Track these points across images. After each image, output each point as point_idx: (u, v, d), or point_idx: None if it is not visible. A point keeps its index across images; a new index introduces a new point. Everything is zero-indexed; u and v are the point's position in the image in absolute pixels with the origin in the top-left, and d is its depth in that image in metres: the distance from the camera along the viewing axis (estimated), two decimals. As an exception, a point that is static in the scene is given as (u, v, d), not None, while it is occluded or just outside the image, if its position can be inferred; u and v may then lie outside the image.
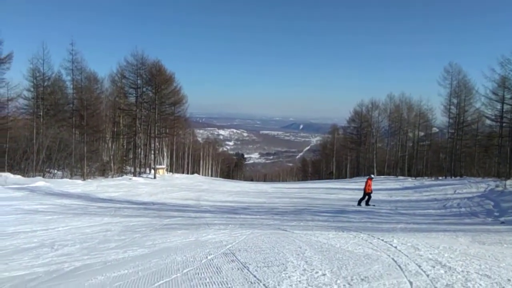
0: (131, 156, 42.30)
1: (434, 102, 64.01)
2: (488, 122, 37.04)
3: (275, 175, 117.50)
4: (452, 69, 39.26)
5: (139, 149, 41.08)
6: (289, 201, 20.30)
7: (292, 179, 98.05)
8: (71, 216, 12.28)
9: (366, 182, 18.04)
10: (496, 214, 14.06)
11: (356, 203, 17.82)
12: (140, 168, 40.02)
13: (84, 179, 28.85)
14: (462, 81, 39.01)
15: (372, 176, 20.05)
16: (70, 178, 28.32)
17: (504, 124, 33.26)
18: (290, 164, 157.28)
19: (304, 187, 33.28)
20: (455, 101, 39.36)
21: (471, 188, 22.33)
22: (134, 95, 39.66)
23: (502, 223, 12.05)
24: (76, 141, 31.39)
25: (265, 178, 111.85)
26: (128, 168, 39.75)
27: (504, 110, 32.74)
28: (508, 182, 21.18)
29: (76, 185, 23.95)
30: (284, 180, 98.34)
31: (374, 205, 17.46)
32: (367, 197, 17.76)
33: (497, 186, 20.62)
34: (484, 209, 15.50)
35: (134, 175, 36.31)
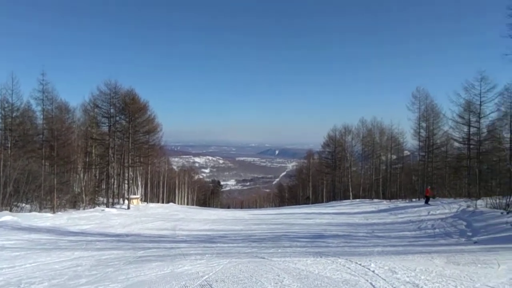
0: (103, 186, 41.23)
1: (405, 126, 65.94)
2: (456, 144, 38.38)
3: (252, 202, 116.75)
4: (420, 94, 40.74)
5: (112, 179, 40.12)
6: (266, 228, 20.11)
7: (269, 205, 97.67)
8: (39, 251, 11.74)
9: (427, 190, 30.13)
10: (469, 234, 14.34)
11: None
12: (113, 199, 38.98)
13: (54, 212, 27.80)
14: (429, 105, 40.45)
15: (429, 186, 31.98)
16: (39, 212, 27.21)
17: (471, 146, 34.52)
18: (267, 190, 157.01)
19: (281, 213, 33.14)
20: (424, 124, 40.64)
21: (444, 209, 22.80)
22: (107, 124, 39.07)
23: (475, 243, 12.29)
24: (45, 172, 30.40)
25: (242, 205, 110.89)
26: (101, 199, 38.67)
27: (470, 132, 34.12)
28: (479, 202, 21.77)
29: (46, 219, 23.01)
30: (261, 206, 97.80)
31: (430, 204, 26.80)
32: (427, 199, 28.98)
33: (468, 206, 21.13)
34: (457, 229, 15.80)
35: (107, 206, 35.30)
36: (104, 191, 40.15)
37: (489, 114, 32.94)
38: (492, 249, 10.35)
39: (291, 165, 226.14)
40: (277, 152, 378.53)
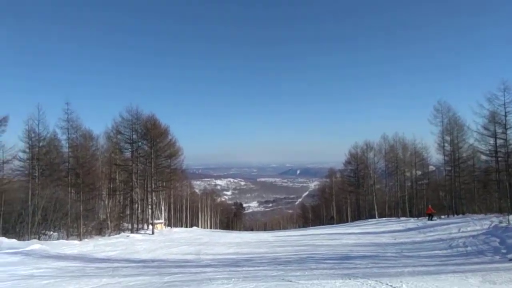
0: (128, 212, 41.65)
1: (428, 140, 63.64)
2: (483, 157, 37.17)
3: (275, 223, 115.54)
4: (442, 107, 39.93)
5: (136, 205, 40.52)
6: (291, 250, 19.83)
7: (293, 226, 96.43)
8: (68, 279, 11.86)
9: (429, 208, 34.75)
10: (504, 251, 13.77)
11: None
12: (137, 224, 39.27)
13: (80, 239, 28.17)
14: (452, 118, 39.60)
15: (430, 204, 36.53)
16: (66, 239, 27.65)
17: (499, 159, 33.37)
18: (290, 211, 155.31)
19: (306, 234, 32.65)
20: (448, 138, 39.69)
21: (475, 225, 22.03)
22: (130, 150, 39.77)
23: (511, 260, 11.79)
24: (72, 200, 30.99)
25: (265, 227, 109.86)
26: (126, 224, 38.99)
27: (497, 144, 33.01)
28: (511, 217, 20.96)
29: (73, 246, 23.34)
30: (284, 227, 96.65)
31: (435, 219, 31.92)
32: (429, 216, 33.23)
33: (500, 222, 20.38)
34: (490, 246, 15.20)
35: (132, 232, 35.57)
36: (128, 216, 40.53)
37: (516, 124, 31.95)
38: (530, 267, 9.90)
39: (313, 184, 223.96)
40: (298, 171, 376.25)
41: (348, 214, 60.67)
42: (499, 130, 32.52)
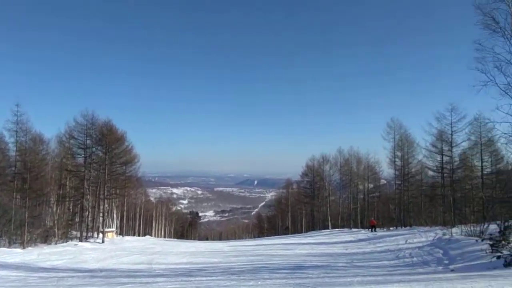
0: (77, 220, 39.91)
1: (381, 155, 66.01)
2: (430, 173, 39.32)
3: (231, 233, 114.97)
4: (394, 124, 41.86)
5: (87, 212, 38.94)
6: (246, 260, 19.81)
7: (249, 236, 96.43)
8: (7, 289, 11.19)
9: (372, 220, 38.20)
10: (446, 262, 14.51)
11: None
12: (87, 232, 37.71)
13: (23, 247, 26.64)
14: (404, 135, 41.54)
15: (373, 218, 40.39)
16: (8, 247, 26.04)
17: (445, 175, 35.37)
18: (246, 221, 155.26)
19: (261, 244, 32.78)
20: (399, 154, 41.53)
21: (420, 237, 23.06)
22: (83, 155, 38.24)
23: (452, 270, 12.43)
24: (16, 206, 29.29)
25: (220, 237, 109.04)
26: (74, 233, 37.33)
27: (444, 161, 35.03)
28: (454, 229, 22.14)
29: (15, 254, 22.02)
30: (240, 237, 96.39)
31: (376, 232, 33.36)
32: (373, 228, 35.71)
33: (444, 234, 21.45)
34: (434, 257, 15.96)
35: (80, 240, 34.10)
36: (77, 224, 38.83)
37: (461, 143, 34.09)
38: (468, 277, 10.49)
39: (270, 195, 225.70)
40: (256, 182, 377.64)
41: (303, 224, 61.60)
42: (445, 147, 34.55)
